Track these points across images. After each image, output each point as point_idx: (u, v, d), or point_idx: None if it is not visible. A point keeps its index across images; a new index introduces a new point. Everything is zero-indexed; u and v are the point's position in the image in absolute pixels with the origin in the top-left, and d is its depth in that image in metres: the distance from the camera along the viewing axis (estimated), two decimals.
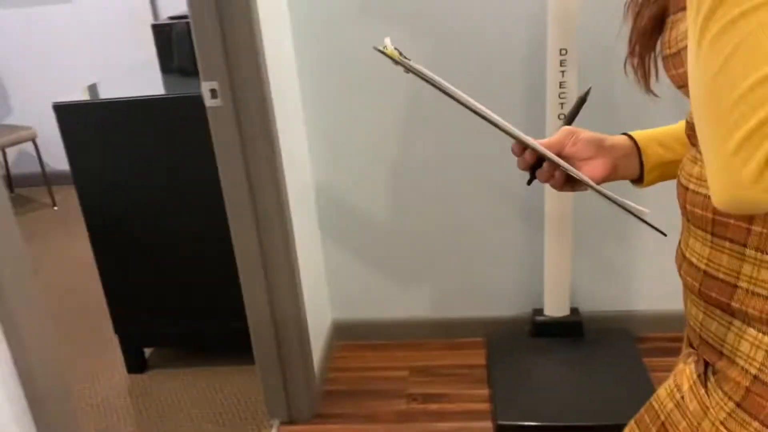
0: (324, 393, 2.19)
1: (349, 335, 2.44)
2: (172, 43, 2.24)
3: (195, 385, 2.31)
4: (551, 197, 2.06)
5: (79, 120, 2.05)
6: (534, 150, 0.83)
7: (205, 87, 1.65)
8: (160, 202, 2.14)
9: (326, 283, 2.40)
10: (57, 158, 4.39)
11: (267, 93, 1.68)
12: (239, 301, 2.24)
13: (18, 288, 1.00)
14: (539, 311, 2.25)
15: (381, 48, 0.79)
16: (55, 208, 4.09)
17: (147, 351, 2.49)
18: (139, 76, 2.37)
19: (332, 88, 2.11)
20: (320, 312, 2.30)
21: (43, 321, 1.06)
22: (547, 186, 2.01)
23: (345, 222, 2.30)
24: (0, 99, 4.30)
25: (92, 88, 2.24)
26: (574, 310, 2.23)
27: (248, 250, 1.88)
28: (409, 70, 0.79)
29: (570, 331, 2.21)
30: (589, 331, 2.22)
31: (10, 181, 4.48)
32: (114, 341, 2.59)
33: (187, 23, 2.18)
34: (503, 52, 2.02)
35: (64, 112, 2.05)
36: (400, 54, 0.80)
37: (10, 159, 4.47)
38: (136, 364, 2.40)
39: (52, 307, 2.92)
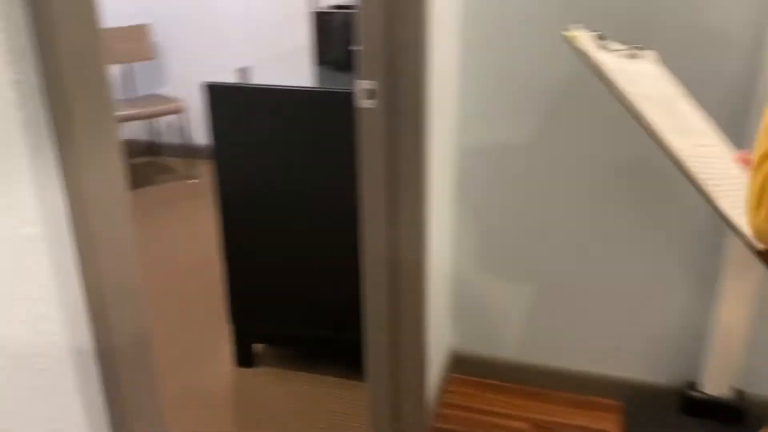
0: (434, 429, 2.01)
1: (466, 369, 2.24)
2: (330, 33, 2.13)
3: (299, 392, 2.20)
4: (738, 242, 1.75)
5: (226, 101, 1.99)
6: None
7: (362, 86, 1.50)
8: (294, 195, 2.04)
9: (451, 310, 2.21)
10: (203, 133, 4.50)
11: (425, 101, 1.51)
12: (359, 313, 2.11)
13: (112, 256, 0.96)
14: (693, 385, 1.94)
15: (569, 33, 0.63)
16: (195, 180, 4.18)
17: (257, 346, 2.42)
18: (292, 65, 2.29)
19: (492, 99, 1.91)
20: (440, 338, 2.12)
21: (131, 294, 0.99)
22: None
23: (482, 250, 2.10)
24: (158, 70, 4.46)
25: (243, 71, 2.18)
26: (737, 391, 1.91)
27: (378, 261, 1.74)
28: (593, 69, 0.61)
29: (729, 415, 1.89)
30: (752, 419, 1.88)
31: (157, 149, 4.65)
32: (227, 329, 2.55)
33: (348, 14, 2.07)
34: (704, 77, 1.74)
35: (214, 91, 2.00)
36: (601, 38, 0.62)
37: (159, 128, 4.64)
38: (244, 357, 2.33)
39: (171, 281, 2.94)
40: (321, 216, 2.05)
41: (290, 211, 2.07)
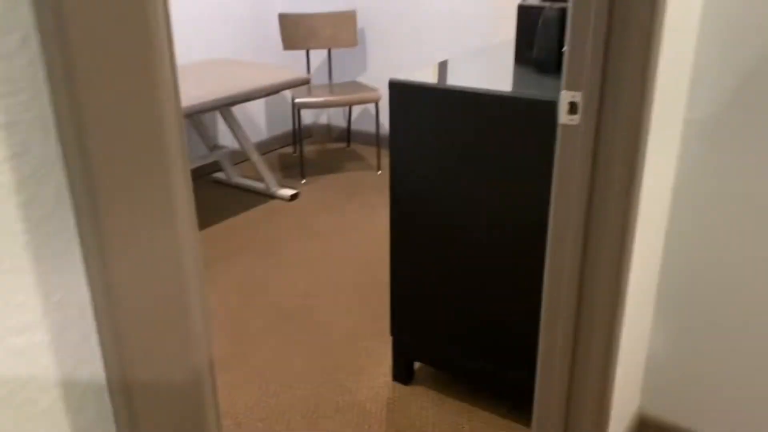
0: None
1: None
2: (536, 30, 1.86)
3: (454, 423, 1.99)
4: None
5: (408, 101, 1.82)
6: None
7: (565, 98, 1.24)
8: (472, 208, 1.82)
9: (644, 364, 1.86)
10: None
11: (644, 124, 1.21)
12: (533, 350, 1.86)
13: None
14: None
15: None
16: (379, 172, 4.13)
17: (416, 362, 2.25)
18: (493, 62, 2.06)
19: (735, 130, 1.53)
20: (625, 396, 1.79)
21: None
22: None
23: (693, 297, 1.73)
24: (359, 57, 4.46)
25: (441, 66, 2.00)
26: None
27: (559, 297, 1.47)
28: None
29: None
30: None
31: (349, 135, 4.68)
32: (388, 338, 2.41)
33: (559, 9, 1.79)
34: None
35: (398, 89, 1.84)
36: None
37: (353, 115, 4.66)
38: (403, 373, 2.17)
39: (343, 275, 2.87)
40: (501, 234, 1.81)
41: (466, 224, 1.86)
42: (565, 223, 1.37)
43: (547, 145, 1.63)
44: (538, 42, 1.83)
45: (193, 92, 3.05)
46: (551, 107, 1.60)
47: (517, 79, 1.82)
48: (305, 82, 3.57)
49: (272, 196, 3.74)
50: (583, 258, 1.39)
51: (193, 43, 3.84)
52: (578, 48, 1.21)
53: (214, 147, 3.84)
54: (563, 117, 1.26)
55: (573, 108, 1.24)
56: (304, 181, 3.98)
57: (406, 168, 1.91)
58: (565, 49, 1.48)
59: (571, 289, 1.47)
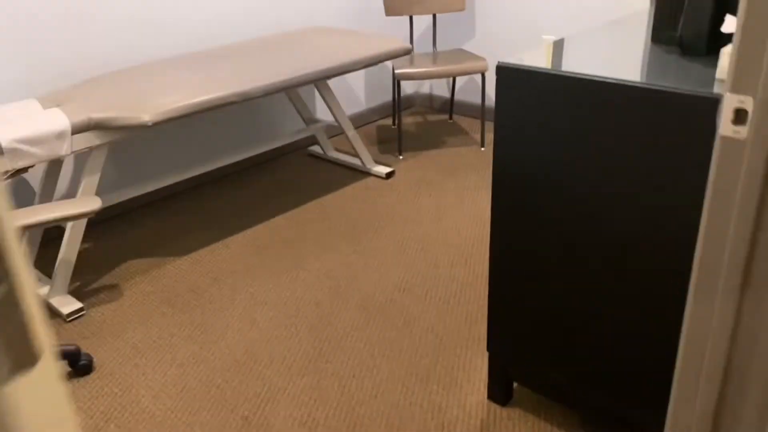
0: None
1: None
2: (683, 1, 1.51)
3: None
4: None
5: (519, 86, 1.53)
6: None
7: (730, 102, 0.92)
8: (591, 213, 1.53)
9: None
10: None
11: None
12: (661, 387, 1.57)
13: None
14: None
15: None
16: (483, 149, 3.83)
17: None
18: (620, 38, 1.72)
19: None
20: None
21: None
22: None
23: None
24: (467, 22, 4.13)
25: (555, 47, 1.69)
26: None
27: (703, 341, 1.18)
28: None
29: None
30: None
31: (452, 107, 4.38)
32: (485, 348, 2.17)
33: None
34: None
35: (506, 74, 1.55)
36: None
37: (458, 85, 4.34)
38: (499, 392, 1.93)
39: (438, 267, 2.64)
40: (626, 250, 1.51)
41: (581, 231, 1.57)
42: (717, 258, 1.07)
43: (695, 154, 1.31)
44: (685, 14, 1.48)
45: (287, 65, 2.87)
46: (700, 105, 1.27)
47: (653, 64, 1.48)
48: (406, 52, 3.30)
49: (368, 173, 3.54)
50: (739, 302, 1.08)
51: (288, 10, 3.66)
52: (755, 31, 0.89)
53: (311, 120, 3.68)
54: (726, 127, 0.94)
55: (740, 116, 0.92)
56: (401, 156, 3.75)
57: (511, 156, 1.63)
58: (730, 28, 1.14)
59: (721, 333, 1.17)
